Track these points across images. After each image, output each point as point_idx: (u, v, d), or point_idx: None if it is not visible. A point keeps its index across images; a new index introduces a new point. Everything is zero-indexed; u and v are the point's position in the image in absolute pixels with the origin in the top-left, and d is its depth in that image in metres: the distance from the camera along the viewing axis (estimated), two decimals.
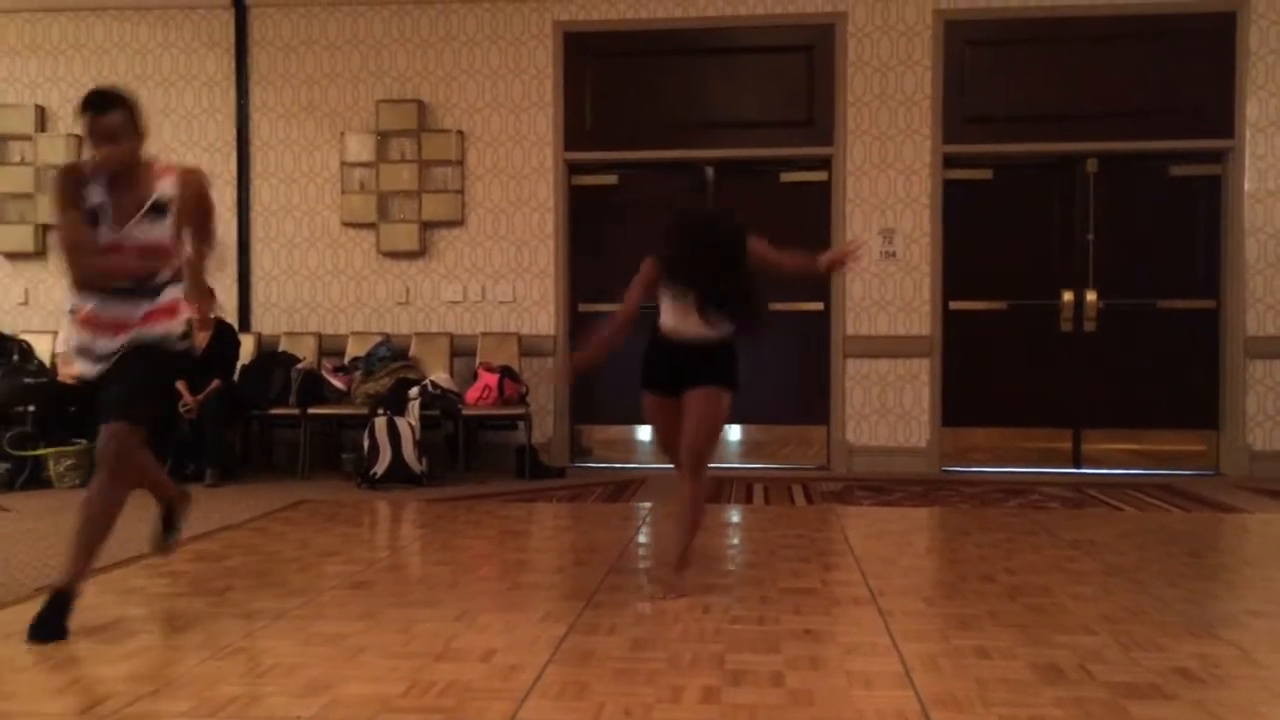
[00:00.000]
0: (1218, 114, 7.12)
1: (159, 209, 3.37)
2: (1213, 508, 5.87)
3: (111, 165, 3.30)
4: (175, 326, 3.47)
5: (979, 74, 7.30)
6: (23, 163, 7.81)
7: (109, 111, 3.32)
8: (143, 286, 3.38)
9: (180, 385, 6.69)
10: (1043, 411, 7.39)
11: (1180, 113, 7.16)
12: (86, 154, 3.37)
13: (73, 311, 3.43)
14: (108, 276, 3.35)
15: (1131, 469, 7.26)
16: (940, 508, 5.91)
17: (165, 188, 3.40)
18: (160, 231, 3.37)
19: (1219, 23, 7.12)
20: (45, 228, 7.79)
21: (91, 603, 3.70)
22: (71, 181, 3.35)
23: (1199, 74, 7.16)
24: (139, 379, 3.40)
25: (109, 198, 3.32)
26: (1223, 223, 7.20)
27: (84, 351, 3.43)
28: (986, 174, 7.42)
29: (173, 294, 3.46)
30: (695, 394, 3.79)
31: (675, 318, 3.84)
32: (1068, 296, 7.31)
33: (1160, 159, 7.29)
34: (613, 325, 4.04)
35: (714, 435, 3.89)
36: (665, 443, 4.03)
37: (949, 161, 7.32)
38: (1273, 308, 7.08)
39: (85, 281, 3.37)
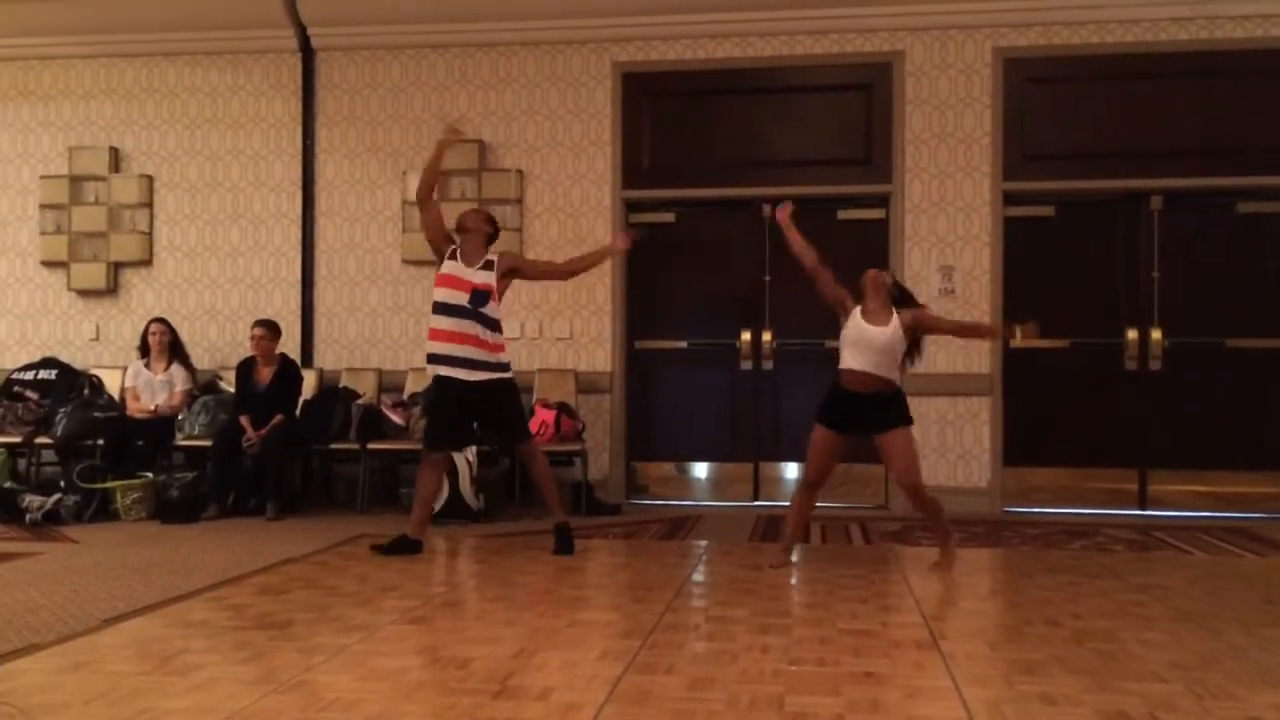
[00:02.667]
0: None
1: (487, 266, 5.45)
2: None
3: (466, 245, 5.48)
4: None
5: (1040, 111, 7.25)
6: (97, 202, 8.04)
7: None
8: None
9: (244, 420, 6.82)
10: (1107, 451, 7.25)
11: (1247, 149, 7.04)
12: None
13: None
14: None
15: (1200, 511, 7.08)
16: (1002, 549, 5.81)
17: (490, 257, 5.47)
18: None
19: None
20: (117, 266, 8.02)
21: (156, 635, 3.77)
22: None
23: (1265, 110, 7.05)
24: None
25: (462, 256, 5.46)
26: None
27: None
28: (1048, 211, 7.35)
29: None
30: (895, 435, 5.00)
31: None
32: (1132, 335, 7.19)
33: (1227, 196, 7.17)
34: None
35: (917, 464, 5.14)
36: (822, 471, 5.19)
37: (1009, 199, 7.26)
38: None
39: None
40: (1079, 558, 5.47)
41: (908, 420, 5.05)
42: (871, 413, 4.97)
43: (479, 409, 5.48)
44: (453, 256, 5.42)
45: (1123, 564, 5.27)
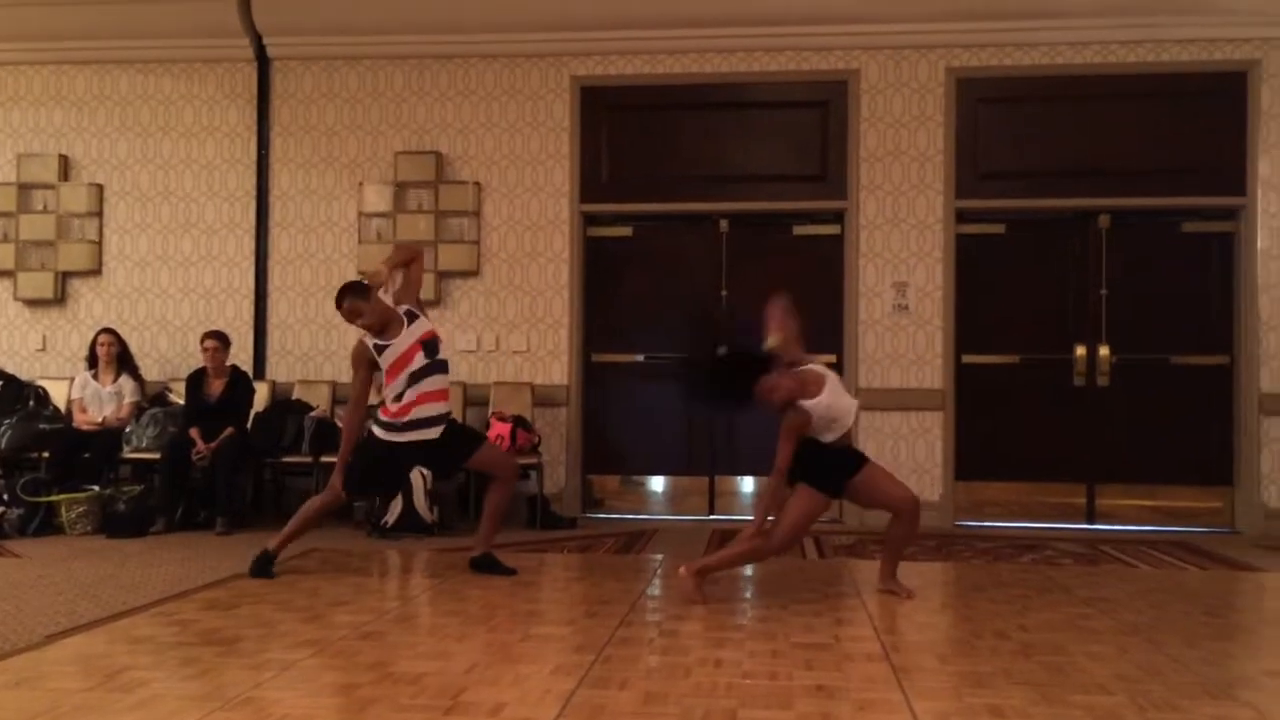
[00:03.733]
0: (1230, 171, 7.16)
1: None
2: (1229, 566, 5.82)
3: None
4: None
5: (992, 130, 7.36)
6: (45, 211, 7.91)
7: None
8: None
9: (193, 432, 6.73)
10: (1056, 466, 7.36)
11: (1193, 170, 7.20)
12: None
13: None
14: None
15: (1146, 525, 7.20)
16: (954, 563, 5.87)
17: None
18: None
19: (1231, 81, 7.18)
20: (65, 275, 7.90)
21: (100, 651, 3.71)
22: None
23: (1211, 132, 7.20)
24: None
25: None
26: (1236, 279, 7.21)
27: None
28: (999, 229, 7.46)
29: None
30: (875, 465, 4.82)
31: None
32: (1080, 351, 7.30)
33: (1173, 215, 7.32)
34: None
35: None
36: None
37: (961, 216, 7.36)
38: None
39: None
40: (1028, 571, 5.54)
41: None
42: (849, 458, 4.74)
43: (431, 453, 5.16)
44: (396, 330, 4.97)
45: (1070, 577, 5.34)
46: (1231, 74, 7.18)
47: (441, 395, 5.05)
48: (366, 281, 5.07)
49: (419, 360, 4.96)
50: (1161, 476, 7.31)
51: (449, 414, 5.11)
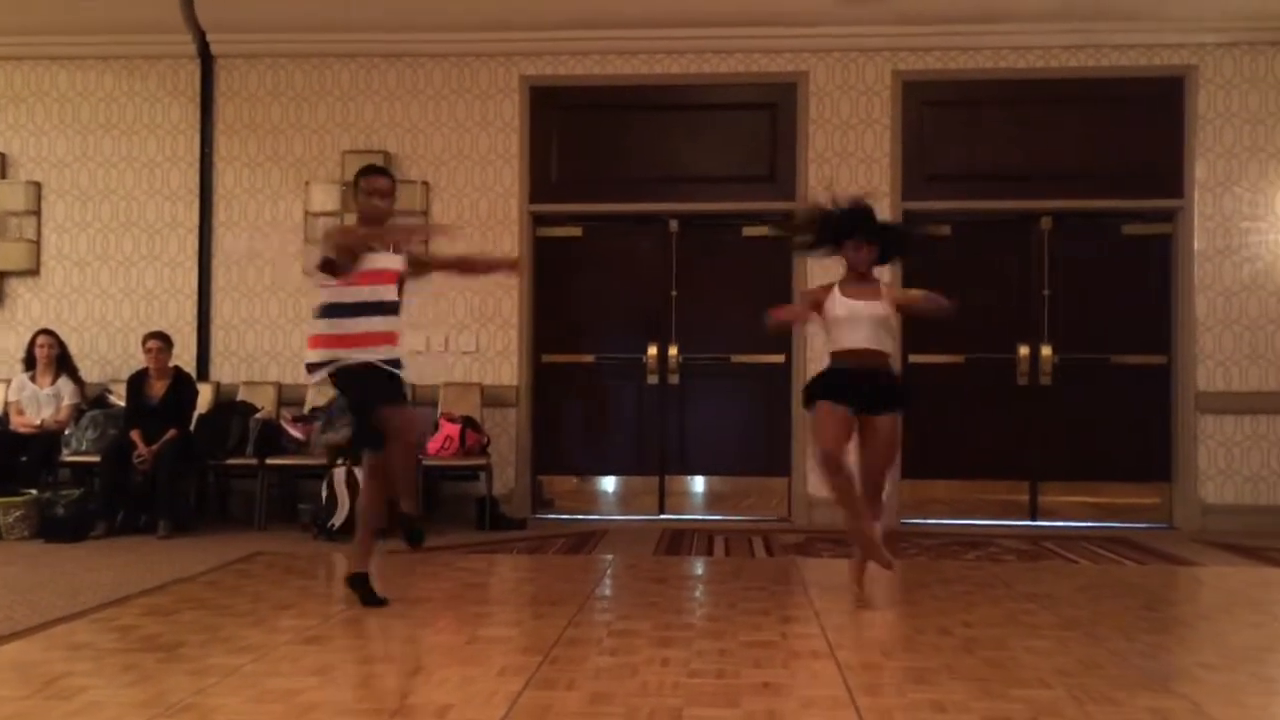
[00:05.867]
0: (1168, 175, 7.31)
1: None
2: (1166, 561, 5.94)
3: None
4: None
5: (937, 133, 7.45)
6: None
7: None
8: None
9: (135, 435, 6.62)
10: (1000, 464, 7.47)
11: (1132, 173, 7.34)
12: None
13: None
14: None
15: (1087, 521, 7.33)
16: (899, 560, 5.92)
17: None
18: None
19: (1169, 87, 7.33)
20: (2, 275, 7.73)
21: (37, 658, 3.64)
22: None
23: (1150, 136, 7.35)
24: None
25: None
26: (1173, 280, 7.37)
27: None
28: (945, 230, 7.55)
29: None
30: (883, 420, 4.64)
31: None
32: (1024, 351, 7.42)
33: (1113, 218, 7.46)
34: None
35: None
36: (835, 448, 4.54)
37: (908, 217, 7.43)
38: (1222, 364, 7.23)
39: None
40: (972, 568, 5.62)
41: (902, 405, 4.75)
42: (867, 391, 4.65)
43: None
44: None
45: (1013, 573, 5.43)
46: (1170, 79, 7.33)
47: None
48: None
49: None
50: (1102, 473, 7.45)
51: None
